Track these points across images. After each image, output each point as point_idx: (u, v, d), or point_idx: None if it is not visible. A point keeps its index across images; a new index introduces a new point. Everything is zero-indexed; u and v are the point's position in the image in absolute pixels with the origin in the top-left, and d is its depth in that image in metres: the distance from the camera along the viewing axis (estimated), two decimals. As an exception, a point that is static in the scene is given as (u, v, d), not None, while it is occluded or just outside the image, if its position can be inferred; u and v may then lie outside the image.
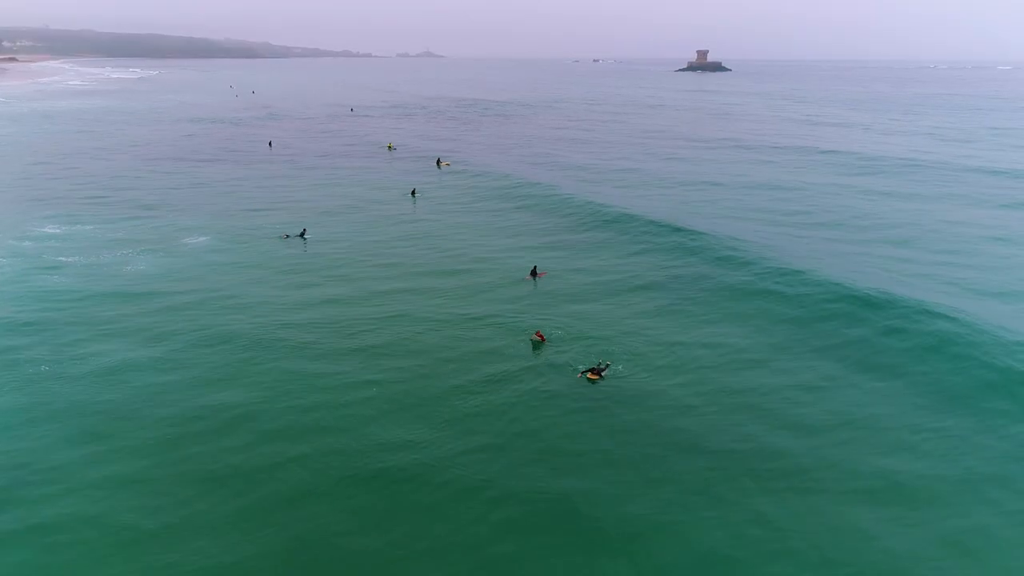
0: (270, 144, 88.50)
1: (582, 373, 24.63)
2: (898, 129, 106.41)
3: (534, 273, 36.57)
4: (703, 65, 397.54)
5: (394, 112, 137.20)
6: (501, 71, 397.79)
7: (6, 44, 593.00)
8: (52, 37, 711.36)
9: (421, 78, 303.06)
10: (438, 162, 71.00)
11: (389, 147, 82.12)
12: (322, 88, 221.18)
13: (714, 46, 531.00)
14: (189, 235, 43.29)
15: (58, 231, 43.97)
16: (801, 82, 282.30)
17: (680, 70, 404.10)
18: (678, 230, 43.84)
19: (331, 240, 42.99)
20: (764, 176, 64.90)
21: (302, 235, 42.90)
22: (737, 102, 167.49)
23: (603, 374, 24.53)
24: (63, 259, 37.86)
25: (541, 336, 27.79)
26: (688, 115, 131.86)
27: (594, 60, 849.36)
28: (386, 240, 43.50)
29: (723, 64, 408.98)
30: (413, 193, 56.50)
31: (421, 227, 46.72)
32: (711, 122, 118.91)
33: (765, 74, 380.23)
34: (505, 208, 52.77)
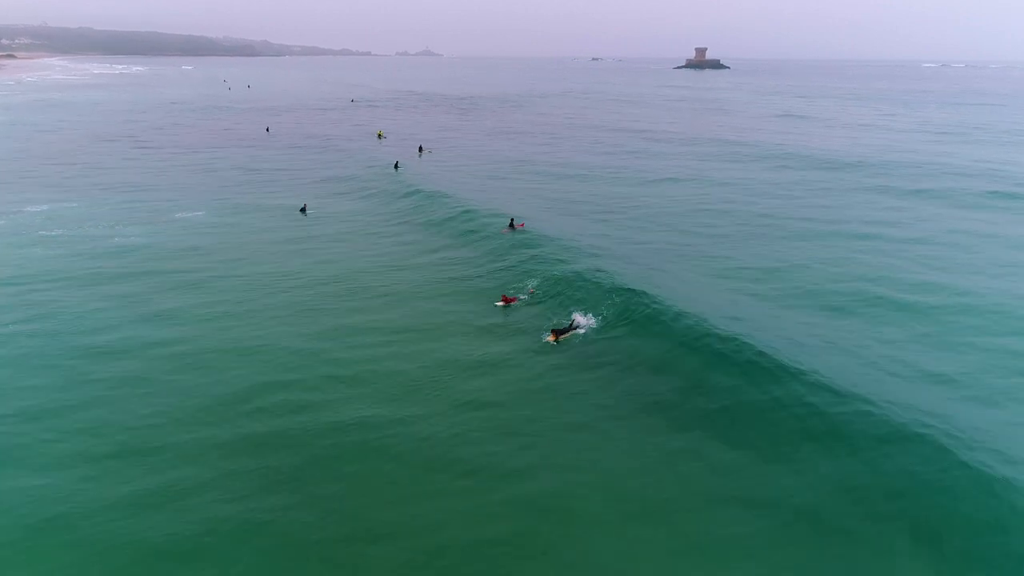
0: (267, 130, 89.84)
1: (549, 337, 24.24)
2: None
3: (512, 225, 37.31)
4: (701, 63, 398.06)
5: (390, 105, 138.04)
6: (497, 70, 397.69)
7: (4, 42, 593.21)
8: (51, 35, 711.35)
9: (419, 76, 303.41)
10: (419, 149, 72.41)
11: (379, 135, 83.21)
12: (319, 84, 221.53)
13: (715, 44, 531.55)
14: (183, 211, 44.18)
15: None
16: (794, 79, 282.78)
17: (678, 67, 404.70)
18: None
19: (329, 216, 44.07)
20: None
21: (303, 210, 44.23)
22: (717, 96, 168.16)
23: (561, 337, 24.06)
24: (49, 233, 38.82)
25: (507, 299, 27.71)
26: (659, 110, 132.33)
27: (593, 58, 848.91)
28: (378, 213, 44.87)
29: (721, 62, 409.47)
30: (396, 166, 60.06)
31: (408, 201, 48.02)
32: (667, 115, 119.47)
33: (761, 71, 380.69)
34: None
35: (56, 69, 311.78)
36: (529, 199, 48.04)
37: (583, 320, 25.33)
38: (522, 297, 28.20)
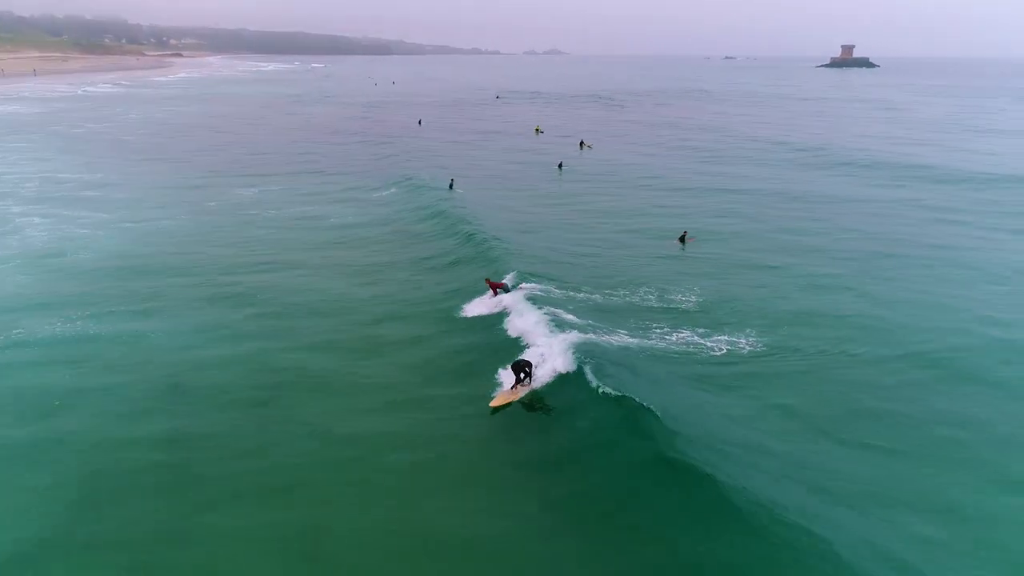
0: (419, 122, 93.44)
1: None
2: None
3: (683, 239, 36.52)
4: (847, 61, 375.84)
5: (536, 100, 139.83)
6: (628, 68, 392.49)
7: (172, 42, 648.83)
8: (211, 35, 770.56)
9: (553, 73, 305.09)
10: (581, 144, 72.25)
11: (536, 130, 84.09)
12: (456, 80, 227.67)
13: (863, 42, 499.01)
14: (375, 191, 47.29)
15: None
16: (954, 78, 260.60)
17: (822, 66, 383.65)
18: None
19: (478, 195, 45.61)
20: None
21: (450, 186, 46.55)
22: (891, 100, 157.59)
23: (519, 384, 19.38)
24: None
25: (492, 284, 26.29)
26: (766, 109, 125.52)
27: (726, 57, 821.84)
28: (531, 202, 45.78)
29: (870, 60, 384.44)
30: (560, 166, 59.08)
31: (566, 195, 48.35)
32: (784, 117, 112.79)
33: (912, 71, 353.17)
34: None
35: (217, 66, 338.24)
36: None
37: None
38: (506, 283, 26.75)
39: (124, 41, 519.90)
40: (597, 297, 26.67)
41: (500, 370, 20.40)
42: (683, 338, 23.13)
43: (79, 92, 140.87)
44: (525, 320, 23.40)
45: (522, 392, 19.27)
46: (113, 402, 19.08)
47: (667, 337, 23.15)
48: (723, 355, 22.09)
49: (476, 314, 25.09)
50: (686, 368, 21.14)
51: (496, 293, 26.01)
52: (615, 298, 26.82)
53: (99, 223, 38.40)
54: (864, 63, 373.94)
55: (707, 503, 14.41)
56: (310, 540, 13.96)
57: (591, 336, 21.91)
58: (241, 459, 16.53)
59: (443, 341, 23.28)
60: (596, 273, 29.97)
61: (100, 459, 16.47)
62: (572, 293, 26.65)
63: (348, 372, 20.98)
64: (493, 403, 18.95)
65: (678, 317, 25.08)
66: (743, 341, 22.93)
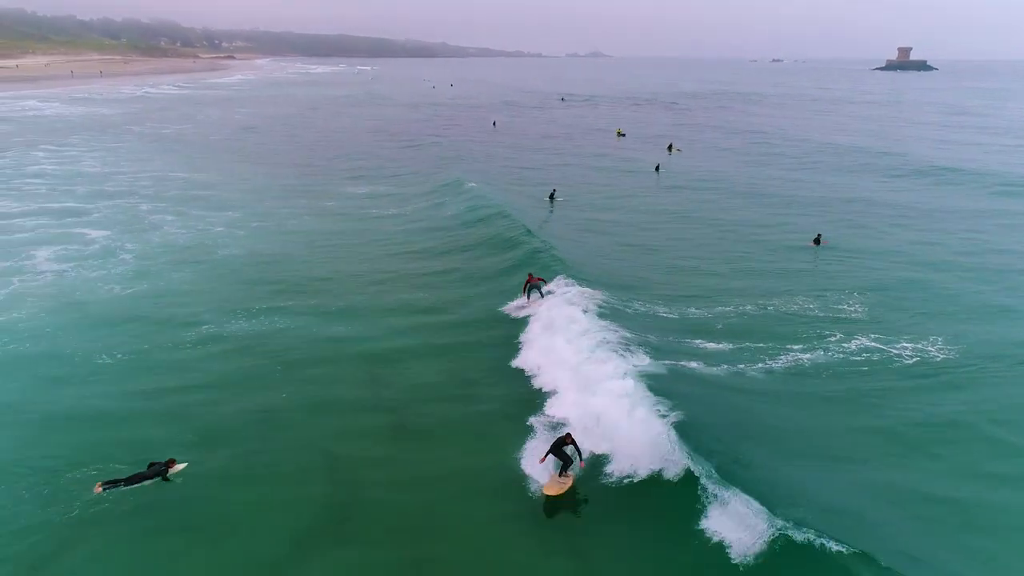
0: (494, 124, 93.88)
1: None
2: None
3: (817, 241, 35.91)
4: (904, 64, 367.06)
5: (601, 102, 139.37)
6: (676, 71, 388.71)
7: (224, 44, 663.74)
8: (259, 38, 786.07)
9: (604, 76, 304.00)
10: (669, 147, 71.55)
11: (618, 133, 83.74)
12: (510, 82, 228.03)
13: (921, 44, 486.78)
14: (464, 184, 48.26)
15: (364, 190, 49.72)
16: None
17: (877, 69, 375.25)
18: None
19: (577, 205, 45.26)
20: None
21: (551, 196, 45.74)
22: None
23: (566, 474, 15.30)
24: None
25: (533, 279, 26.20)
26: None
27: (773, 60, 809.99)
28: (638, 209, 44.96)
29: (928, 63, 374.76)
30: (657, 169, 58.75)
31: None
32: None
33: (974, 74, 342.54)
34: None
35: (268, 69, 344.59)
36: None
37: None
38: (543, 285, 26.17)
39: (179, 44, 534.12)
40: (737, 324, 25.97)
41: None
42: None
43: (139, 93, 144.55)
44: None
45: (571, 477, 15.25)
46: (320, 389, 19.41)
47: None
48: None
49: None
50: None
51: (528, 290, 25.67)
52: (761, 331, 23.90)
53: (230, 222, 39.25)
54: (922, 66, 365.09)
55: None
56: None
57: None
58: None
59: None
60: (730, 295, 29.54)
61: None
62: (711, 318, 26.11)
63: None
64: (548, 491, 14.94)
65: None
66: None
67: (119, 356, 21.71)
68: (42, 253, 32.97)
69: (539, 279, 26.34)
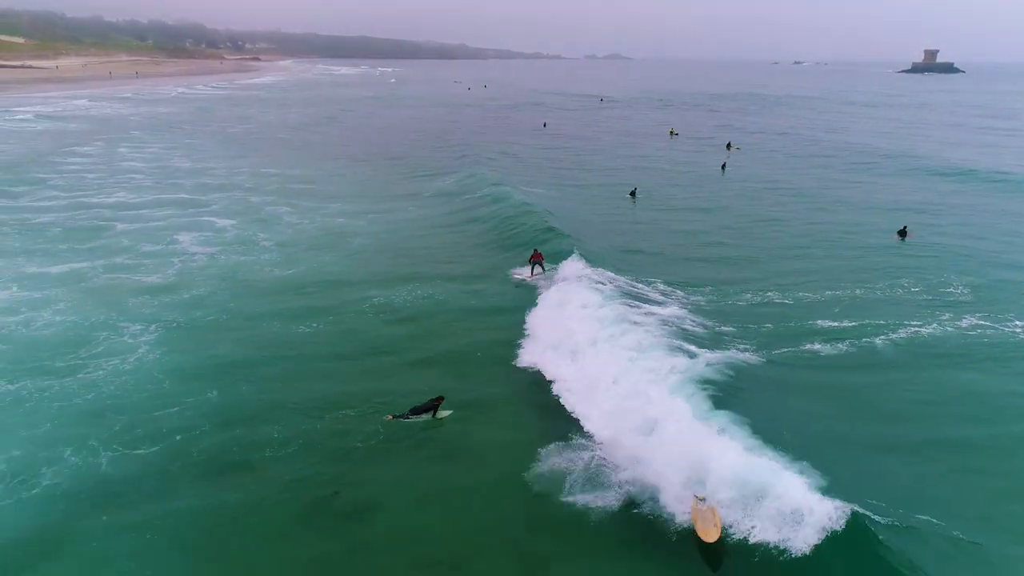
0: (544, 124, 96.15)
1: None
2: None
3: (903, 234, 37.40)
4: (930, 66, 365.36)
5: (639, 104, 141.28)
6: (700, 73, 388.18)
7: (248, 46, 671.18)
8: (283, 40, 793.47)
9: (629, 78, 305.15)
10: (728, 145, 73.43)
11: (671, 133, 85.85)
12: (542, 84, 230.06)
13: (949, 46, 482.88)
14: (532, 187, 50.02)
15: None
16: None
17: (903, 71, 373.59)
18: None
19: (658, 201, 47.27)
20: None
21: (632, 193, 47.95)
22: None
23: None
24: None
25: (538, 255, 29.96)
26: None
27: (795, 62, 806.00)
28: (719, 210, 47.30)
29: (955, 65, 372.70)
30: (723, 167, 60.81)
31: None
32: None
33: (1005, 77, 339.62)
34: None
35: (294, 70, 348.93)
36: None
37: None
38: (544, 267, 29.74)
39: (204, 45, 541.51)
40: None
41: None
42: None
43: (176, 94, 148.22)
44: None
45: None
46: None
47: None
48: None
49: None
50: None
51: (532, 263, 29.70)
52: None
53: (345, 213, 41.79)
54: (948, 68, 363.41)
55: None
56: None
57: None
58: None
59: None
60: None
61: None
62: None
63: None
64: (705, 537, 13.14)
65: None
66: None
67: (315, 326, 24.26)
68: (184, 238, 35.62)
69: (540, 256, 30.15)
